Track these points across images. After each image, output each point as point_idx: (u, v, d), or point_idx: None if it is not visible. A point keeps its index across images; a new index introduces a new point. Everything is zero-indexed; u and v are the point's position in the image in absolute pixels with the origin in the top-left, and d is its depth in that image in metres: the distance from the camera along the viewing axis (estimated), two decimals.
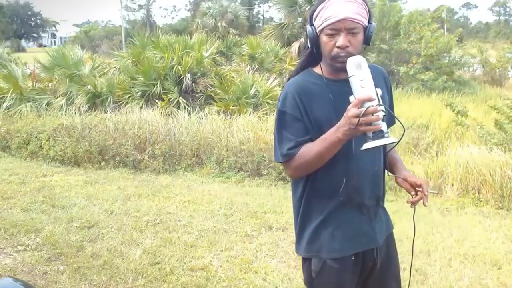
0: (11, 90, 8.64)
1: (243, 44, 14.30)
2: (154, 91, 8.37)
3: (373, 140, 1.37)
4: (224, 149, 6.17)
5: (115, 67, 9.84)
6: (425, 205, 1.59)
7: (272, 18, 46.61)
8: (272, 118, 7.22)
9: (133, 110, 7.32)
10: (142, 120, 6.81)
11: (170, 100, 8.21)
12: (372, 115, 1.33)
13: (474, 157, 5.26)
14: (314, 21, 1.52)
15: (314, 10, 1.52)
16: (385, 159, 1.67)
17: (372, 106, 1.33)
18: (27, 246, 3.54)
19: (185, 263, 3.31)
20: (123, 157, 6.18)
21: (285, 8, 16.64)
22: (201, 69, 9.01)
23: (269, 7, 52.23)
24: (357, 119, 1.32)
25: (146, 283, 3.01)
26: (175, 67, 8.66)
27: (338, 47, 1.46)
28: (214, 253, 3.51)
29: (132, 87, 8.48)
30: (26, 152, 6.67)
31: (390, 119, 1.58)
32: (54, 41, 72.46)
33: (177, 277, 3.09)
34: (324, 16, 1.47)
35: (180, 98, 8.26)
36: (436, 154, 6.17)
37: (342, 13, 1.43)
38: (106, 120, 6.96)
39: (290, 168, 1.57)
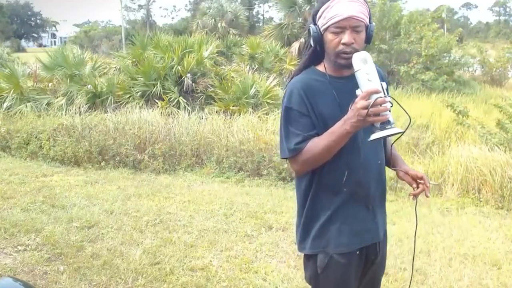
0: (12, 90, 8.64)
1: (243, 44, 14.31)
2: (154, 91, 8.37)
3: (381, 130, 1.41)
4: (224, 149, 6.16)
5: (115, 67, 9.84)
6: (427, 196, 1.65)
7: (272, 18, 46.62)
8: (272, 118, 7.23)
9: (133, 110, 7.31)
10: (142, 120, 6.80)
11: (170, 100, 8.21)
12: (380, 106, 1.38)
13: (475, 157, 5.25)
14: (318, 20, 1.57)
15: (318, 10, 1.57)
16: (386, 155, 1.72)
17: (380, 97, 1.38)
18: (27, 246, 3.54)
19: (185, 263, 3.31)
20: (123, 157, 6.18)
21: (284, 8, 16.65)
22: (201, 69, 9.01)
23: (269, 7, 52.19)
24: (365, 111, 1.37)
25: (146, 283, 3.01)
26: (175, 67, 8.66)
27: (343, 43, 1.51)
28: (214, 253, 3.51)
29: (132, 87, 8.48)
30: (26, 152, 6.67)
31: None
32: (54, 41, 72.51)
33: (177, 277, 3.09)
34: (329, 15, 1.52)
35: (180, 98, 8.26)
36: (438, 153, 6.17)
37: (347, 11, 1.50)
38: (106, 120, 6.96)
39: (297, 163, 1.60)
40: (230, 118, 7.17)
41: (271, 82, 9.41)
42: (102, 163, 6.16)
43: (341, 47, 1.52)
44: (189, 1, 57.97)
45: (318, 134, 1.55)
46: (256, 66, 11.99)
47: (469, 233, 3.99)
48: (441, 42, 14.58)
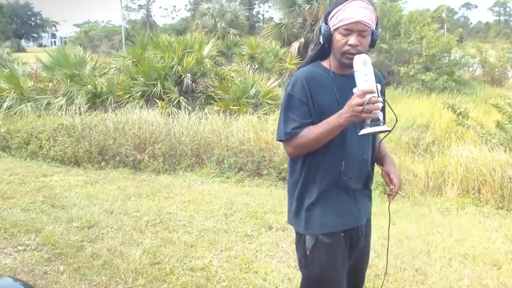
0: (13, 90, 8.64)
1: (243, 44, 14.31)
2: (154, 91, 8.37)
3: (371, 127, 1.57)
4: (224, 149, 6.16)
5: (115, 67, 9.84)
6: (389, 201, 1.84)
7: (272, 18, 46.58)
8: (272, 118, 7.24)
9: (133, 110, 7.31)
10: (142, 120, 6.80)
11: (170, 100, 8.21)
12: (373, 104, 1.53)
13: (475, 157, 5.25)
14: (330, 20, 1.72)
15: (331, 11, 1.72)
16: (373, 152, 1.87)
17: (374, 97, 1.53)
18: (27, 246, 3.54)
19: (185, 263, 3.31)
20: (123, 157, 6.18)
21: (284, 8, 16.64)
22: (201, 69, 9.01)
23: (269, 7, 52.27)
24: (360, 107, 1.52)
25: (146, 283, 3.01)
26: (175, 67, 8.66)
27: (350, 45, 1.67)
28: (214, 253, 3.51)
29: (132, 87, 8.48)
30: (26, 152, 6.67)
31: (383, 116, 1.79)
32: (54, 41, 72.54)
33: (177, 277, 3.09)
34: (341, 17, 1.67)
35: (181, 98, 8.26)
36: (438, 153, 6.17)
37: (357, 16, 1.65)
38: (106, 120, 6.96)
39: (290, 146, 1.75)
40: (230, 118, 7.17)
41: (271, 83, 9.42)
42: (102, 163, 6.16)
43: (347, 47, 1.67)
44: (189, 1, 57.97)
45: (313, 123, 1.70)
46: (256, 66, 11.99)
47: (469, 233, 3.99)
48: (441, 42, 14.58)
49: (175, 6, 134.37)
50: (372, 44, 1.73)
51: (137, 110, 7.32)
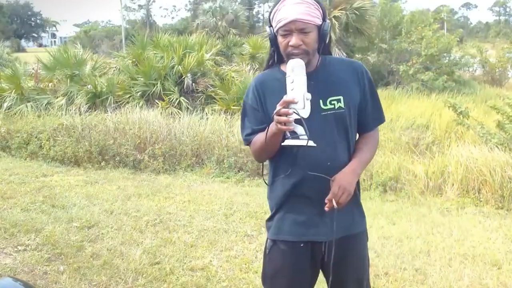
0: (13, 90, 8.64)
1: (243, 44, 14.31)
2: (154, 91, 8.37)
3: (291, 139, 1.53)
4: (225, 149, 6.16)
5: (115, 67, 9.84)
6: (325, 209, 1.61)
7: None
8: None
9: (133, 110, 7.31)
10: (142, 120, 6.80)
11: (171, 100, 8.21)
12: (285, 116, 1.46)
13: (475, 157, 5.25)
14: (272, 22, 1.63)
15: (271, 12, 1.64)
16: (350, 155, 1.69)
17: (284, 108, 1.46)
18: (27, 246, 3.54)
19: (185, 263, 3.31)
20: (123, 157, 6.18)
21: None
22: (201, 69, 9.01)
23: (269, 7, 52.15)
24: (278, 117, 1.48)
25: (146, 283, 3.01)
26: (175, 67, 8.66)
27: (291, 45, 1.57)
28: (214, 253, 3.51)
29: (132, 87, 8.49)
30: (26, 152, 6.67)
31: (374, 117, 1.74)
32: (54, 41, 72.48)
33: (177, 277, 3.09)
34: (277, 18, 1.59)
35: (181, 98, 8.26)
36: (438, 153, 6.16)
37: (292, 15, 1.55)
38: (106, 120, 6.96)
39: (251, 152, 1.78)
40: (231, 118, 7.17)
41: None
42: (102, 163, 6.16)
43: (289, 49, 1.58)
44: (189, 1, 57.99)
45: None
46: (257, 66, 11.99)
47: (469, 233, 3.99)
48: (441, 42, 14.59)
49: (175, 6, 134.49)
50: (323, 38, 1.61)
51: (137, 110, 7.32)
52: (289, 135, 1.54)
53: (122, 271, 3.14)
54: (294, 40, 1.56)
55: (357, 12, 14.76)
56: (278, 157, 1.67)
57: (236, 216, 4.33)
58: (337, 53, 14.87)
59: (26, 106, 8.24)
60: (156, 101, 8.24)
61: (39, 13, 73.93)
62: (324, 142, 1.58)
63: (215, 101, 8.35)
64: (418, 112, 10.07)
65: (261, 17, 57.85)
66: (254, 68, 11.41)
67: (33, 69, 9.93)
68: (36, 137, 6.77)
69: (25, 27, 69.44)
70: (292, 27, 1.55)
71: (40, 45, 62.19)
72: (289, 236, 1.72)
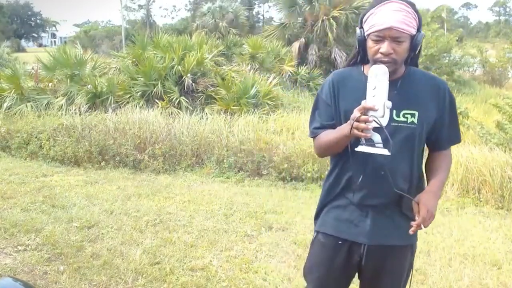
0: (13, 90, 8.63)
1: (243, 44, 14.31)
2: (154, 91, 8.36)
3: (365, 145, 1.52)
4: (224, 149, 6.16)
5: (115, 67, 9.83)
6: (410, 232, 1.62)
7: (272, 18, 46.67)
8: (272, 118, 7.25)
9: (134, 110, 7.31)
10: (143, 120, 6.80)
11: (171, 100, 8.21)
12: (364, 124, 1.45)
13: (474, 157, 5.25)
14: (364, 24, 1.61)
15: (365, 14, 1.61)
16: (413, 172, 1.67)
17: (366, 115, 1.45)
18: (27, 246, 3.54)
19: (185, 263, 3.31)
20: (123, 157, 6.18)
21: (285, 8, 16.64)
22: (201, 69, 9.01)
23: (269, 7, 52.29)
24: (355, 123, 1.47)
25: (146, 283, 3.01)
26: (175, 67, 8.66)
27: (381, 53, 1.54)
28: (214, 253, 3.51)
29: (132, 87, 8.48)
30: (26, 152, 6.67)
31: (451, 137, 1.70)
32: (54, 41, 72.49)
33: (177, 277, 3.09)
34: (372, 23, 1.55)
35: (181, 98, 8.26)
36: None
37: (388, 21, 1.51)
38: (106, 120, 6.96)
39: (314, 146, 1.77)
40: (231, 118, 7.17)
41: (271, 82, 9.42)
42: (102, 163, 6.16)
43: (378, 55, 1.55)
44: (189, 1, 57.94)
45: (335, 126, 1.64)
46: (257, 66, 11.99)
47: (469, 233, 3.99)
48: (441, 42, 14.59)
49: (175, 6, 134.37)
50: (414, 49, 1.58)
51: (137, 110, 7.31)
52: (363, 141, 1.52)
53: (122, 271, 3.14)
54: (385, 47, 1.53)
55: (356, 12, 14.78)
56: (346, 158, 1.66)
57: (236, 216, 4.33)
58: (337, 53, 14.90)
59: (26, 106, 8.23)
60: (156, 101, 8.24)
61: (39, 13, 73.95)
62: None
63: (215, 101, 8.35)
64: None
65: (261, 17, 57.84)
66: (254, 68, 11.41)
67: (33, 69, 9.90)
68: (36, 137, 6.76)
69: (25, 27, 69.42)
70: (386, 34, 1.52)
71: (40, 45, 62.20)
72: (330, 230, 1.74)
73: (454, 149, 5.82)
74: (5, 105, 8.36)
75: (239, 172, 5.91)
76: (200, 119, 7.05)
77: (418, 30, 1.57)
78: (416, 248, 1.79)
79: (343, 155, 1.67)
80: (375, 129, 1.49)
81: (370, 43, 1.57)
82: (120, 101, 8.23)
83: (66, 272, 3.12)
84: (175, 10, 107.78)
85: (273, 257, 3.46)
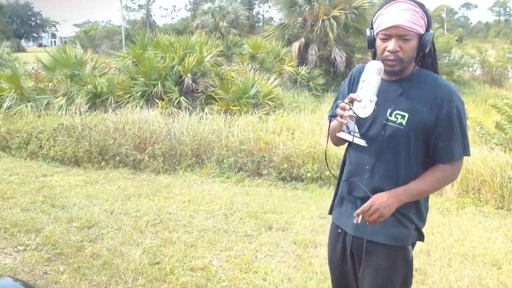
0: (13, 90, 8.63)
1: (243, 44, 14.31)
2: (154, 91, 8.36)
3: (344, 133, 1.61)
4: (224, 149, 6.16)
5: (115, 67, 9.83)
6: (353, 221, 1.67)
7: (272, 18, 46.69)
8: (272, 118, 7.24)
9: (134, 110, 7.31)
10: (142, 120, 6.80)
11: (171, 100, 8.21)
12: (342, 110, 1.55)
13: (474, 157, 5.25)
14: (373, 25, 1.66)
15: (374, 14, 1.67)
16: (399, 172, 1.64)
17: (344, 102, 1.55)
18: (27, 246, 3.54)
19: (185, 263, 3.31)
20: (123, 157, 6.18)
21: (285, 8, 16.63)
22: (201, 69, 9.01)
23: (269, 7, 52.34)
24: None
25: (146, 283, 3.01)
26: (175, 67, 8.65)
27: (388, 50, 1.59)
28: (214, 253, 3.51)
29: (132, 87, 8.47)
30: (26, 152, 6.67)
31: (447, 151, 1.63)
32: (54, 41, 72.47)
33: (177, 277, 3.09)
34: (379, 22, 1.61)
35: (182, 98, 8.25)
36: None
37: (394, 20, 1.56)
38: (106, 120, 6.96)
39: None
40: (231, 118, 7.17)
41: (271, 82, 9.41)
42: (102, 163, 6.16)
43: (386, 53, 1.59)
44: (189, 1, 57.96)
45: None
46: (257, 66, 11.99)
47: (469, 233, 3.99)
48: (440, 42, 14.59)
49: (175, 6, 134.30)
50: (423, 48, 1.58)
51: (137, 110, 7.31)
52: (344, 128, 1.60)
53: (122, 271, 3.14)
54: (392, 45, 1.56)
55: (356, 12, 14.77)
56: (348, 152, 1.81)
57: (236, 216, 4.33)
58: (337, 53, 14.90)
59: (26, 106, 8.22)
60: (156, 101, 8.23)
61: (39, 13, 73.91)
62: (372, 147, 1.63)
63: (215, 101, 8.35)
64: None
65: (261, 17, 57.87)
66: (254, 68, 11.41)
67: (33, 69, 9.90)
68: (36, 137, 6.76)
69: (25, 27, 69.41)
70: (393, 32, 1.56)
71: (40, 45, 62.21)
72: (334, 218, 1.88)
73: None
74: (5, 105, 8.36)
75: (239, 172, 5.91)
76: (200, 119, 7.04)
77: (427, 30, 1.58)
78: (411, 252, 1.74)
79: (348, 148, 1.80)
80: (363, 122, 1.62)
81: (378, 42, 1.63)
82: (120, 101, 8.22)
83: (66, 272, 3.12)
84: (175, 10, 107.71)
85: (273, 257, 3.46)
